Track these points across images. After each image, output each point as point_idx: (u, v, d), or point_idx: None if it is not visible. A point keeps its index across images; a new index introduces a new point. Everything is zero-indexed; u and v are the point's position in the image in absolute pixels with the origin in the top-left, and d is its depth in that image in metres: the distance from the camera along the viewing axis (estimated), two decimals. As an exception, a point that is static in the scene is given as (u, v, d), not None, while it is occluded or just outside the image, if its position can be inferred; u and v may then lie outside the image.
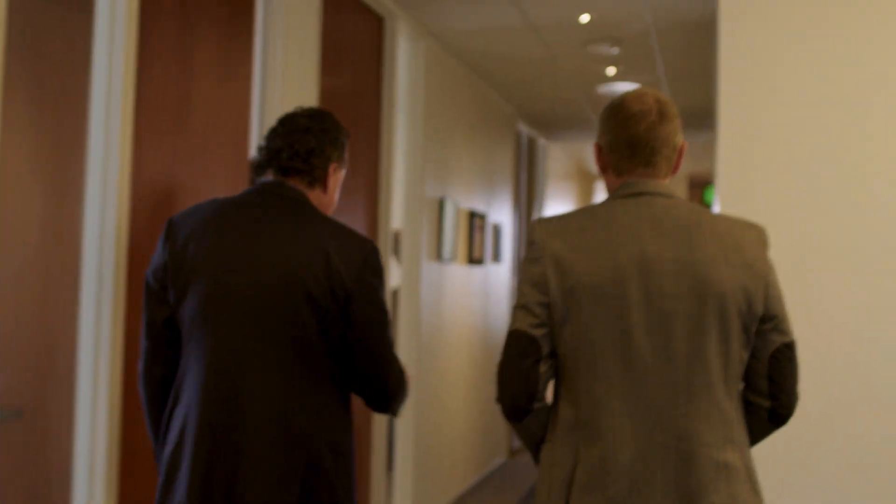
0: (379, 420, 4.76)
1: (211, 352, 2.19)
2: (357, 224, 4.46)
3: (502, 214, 7.77)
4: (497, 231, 7.48)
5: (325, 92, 4.09)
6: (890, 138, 3.20)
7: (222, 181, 3.37)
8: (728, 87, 3.26)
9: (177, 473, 2.20)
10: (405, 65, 5.31)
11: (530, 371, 1.97)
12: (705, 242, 1.97)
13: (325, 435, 2.20)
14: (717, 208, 3.30)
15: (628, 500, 1.91)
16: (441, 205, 5.78)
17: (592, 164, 12.60)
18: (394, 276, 5.52)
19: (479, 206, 6.84)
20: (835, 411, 3.22)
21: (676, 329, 1.93)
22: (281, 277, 2.18)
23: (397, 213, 5.33)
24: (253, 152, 3.52)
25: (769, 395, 2.00)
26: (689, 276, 1.94)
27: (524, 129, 8.69)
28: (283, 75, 3.65)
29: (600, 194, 14.75)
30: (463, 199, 6.38)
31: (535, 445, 2.07)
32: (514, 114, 8.16)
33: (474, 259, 6.67)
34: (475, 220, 6.63)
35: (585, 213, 2.05)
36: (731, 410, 1.96)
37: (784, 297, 2.03)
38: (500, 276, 7.75)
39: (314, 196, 2.36)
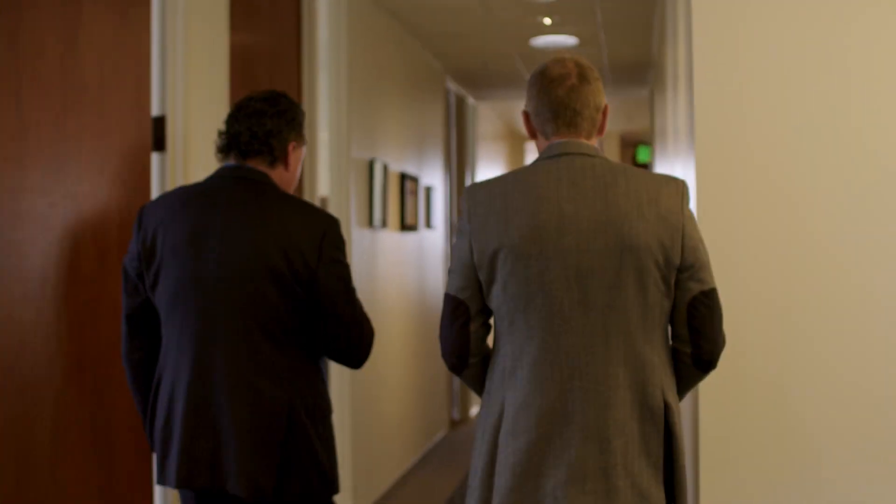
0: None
1: (187, 333, 2.35)
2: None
3: (434, 178, 7.39)
4: (429, 195, 7.10)
5: (237, 49, 3.65)
6: (869, 103, 2.89)
7: (118, 141, 2.95)
8: (702, 43, 2.87)
9: (169, 449, 2.38)
10: (326, 18, 4.88)
11: (461, 331, 2.12)
12: (621, 199, 2.04)
13: (299, 401, 2.35)
14: (692, 171, 2.98)
15: (550, 441, 2.02)
16: (370, 167, 5.38)
17: (522, 126, 12.27)
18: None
19: (410, 169, 6.44)
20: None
21: (593, 283, 2.03)
22: (246, 259, 2.33)
23: (323, 177, 4.92)
24: (155, 110, 3.13)
25: (690, 341, 2.08)
26: (604, 232, 2.03)
27: (452, 87, 8.30)
28: (186, 32, 3.20)
29: (531, 155, 14.46)
30: (393, 161, 5.98)
31: (480, 394, 2.20)
32: (442, 71, 7.76)
33: (407, 225, 6.27)
34: (406, 184, 6.23)
35: (510, 177, 2.13)
36: (653, 356, 2.05)
37: (704, 245, 2.10)
38: (434, 243, 7.37)
39: (276, 175, 2.46)
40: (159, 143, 3.12)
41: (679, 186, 2.09)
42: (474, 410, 8.79)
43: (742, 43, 2.88)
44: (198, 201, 2.40)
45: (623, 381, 2.03)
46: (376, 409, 5.60)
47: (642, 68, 7.99)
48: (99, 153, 2.86)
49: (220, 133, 2.49)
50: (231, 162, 2.47)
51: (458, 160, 8.59)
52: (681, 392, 2.15)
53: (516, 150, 13.01)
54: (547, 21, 6.11)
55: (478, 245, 2.09)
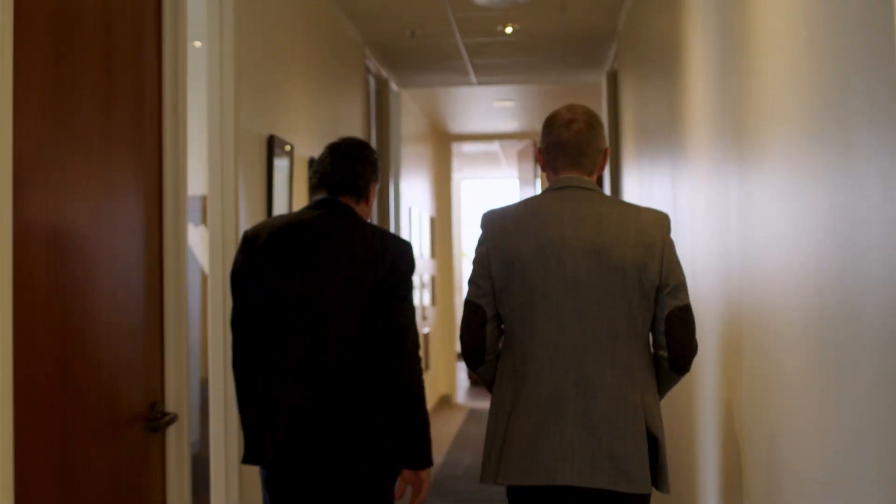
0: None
1: (301, 339, 2.78)
2: (128, 189, 2.63)
3: (353, 173, 5.98)
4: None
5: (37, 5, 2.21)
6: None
7: None
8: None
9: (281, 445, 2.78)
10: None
11: (478, 332, 2.57)
12: (613, 227, 2.47)
13: (378, 395, 2.77)
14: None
15: (547, 425, 2.43)
16: (268, 147, 3.94)
17: (452, 123, 10.92)
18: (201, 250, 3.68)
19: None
20: None
21: (585, 295, 2.46)
22: (344, 279, 2.79)
23: (198, 169, 3.48)
24: None
25: (667, 347, 2.46)
26: (596, 253, 2.46)
27: (373, 66, 6.90)
28: None
29: (460, 159, 13.12)
30: (300, 144, 4.54)
31: (489, 385, 2.64)
32: (361, 43, 6.36)
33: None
34: (318, 174, 4.81)
35: (521, 205, 2.60)
36: (635, 359, 2.46)
37: (681, 268, 2.48)
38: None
39: (359, 209, 2.92)
40: None
41: (662, 219, 2.51)
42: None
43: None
44: (298, 226, 2.84)
45: (609, 380, 2.44)
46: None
47: (600, 43, 6.70)
48: None
49: (315, 172, 2.92)
50: (323, 196, 2.89)
51: (383, 163, 7.17)
52: (662, 392, 2.55)
53: (443, 154, 11.65)
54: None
55: (494, 258, 2.55)
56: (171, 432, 2.88)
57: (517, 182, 12.36)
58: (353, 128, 6.03)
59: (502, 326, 2.58)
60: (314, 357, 2.76)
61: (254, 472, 3.75)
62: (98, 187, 2.42)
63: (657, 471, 2.45)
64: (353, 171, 2.88)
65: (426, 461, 2.84)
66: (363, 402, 2.75)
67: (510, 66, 7.57)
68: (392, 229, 7.20)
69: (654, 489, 2.44)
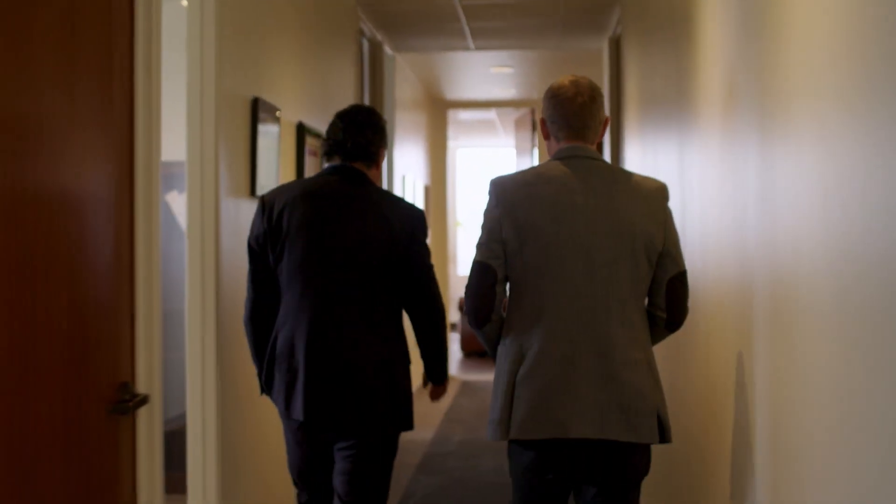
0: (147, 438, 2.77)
1: (310, 297, 3.01)
2: (94, 153, 2.43)
3: (344, 139, 5.75)
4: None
5: None
6: None
7: None
8: None
9: (294, 389, 3.02)
10: None
11: (488, 291, 2.65)
12: (621, 195, 2.62)
13: (396, 354, 3.10)
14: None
15: (561, 382, 2.56)
16: (252, 110, 3.72)
17: (448, 90, 10.68)
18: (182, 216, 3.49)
19: (312, 122, 4.78)
20: None
21: (597, 259, 2.58)
22: (358, 240, 3.02)
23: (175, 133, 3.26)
24: None
25: (666, 308, 2.65)
26: (607, 220, 2.59)
27: (367, 30, 6.66)
28: None
29: (454, 125, 12.88)
30: (287, 108, 4.31)
31: (492, 346, 2.74)
32: (354, 5, 6.12)
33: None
34: (307, 139, 4.57)
35: (531, 172, 2.70)
36: (638, 321, 2.62)
37: (678, 237, 2.64)
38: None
39: (371, 173, 3.14)
40: None
41: (663, 189, 2.67)
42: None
43: None
44: (316, 191, 3.06)
45: (618, 339, 2.58)
46: (253, 439, 3.97)
47: (603, 8, 6.47)
48: None
49: (326, 139, 3.13)
50: (337, 162, 3.11)
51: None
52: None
53: (438, 122, 11.41)
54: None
55: (507, 223, 2.63)
56: (142, 415, 2.70)
57: (514, 151, 12.13)
58: (345, 92, 5.80)
59: (507, 288, 2.71)
60: (331, 315, 3.02)
61: (233, 447, 3.56)
62: (60, 151, 2.22)
63: (661, 424, 2.60)
64: (364, 137, 3.07)
65: (443, 378, 3.30)
66: (381, 357, 3.04)
67: (509, 30, 7.33)
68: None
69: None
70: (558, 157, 2.69)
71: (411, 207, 3.14)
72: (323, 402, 2.99)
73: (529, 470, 2.61)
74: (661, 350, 3.02)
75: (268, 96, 3.91)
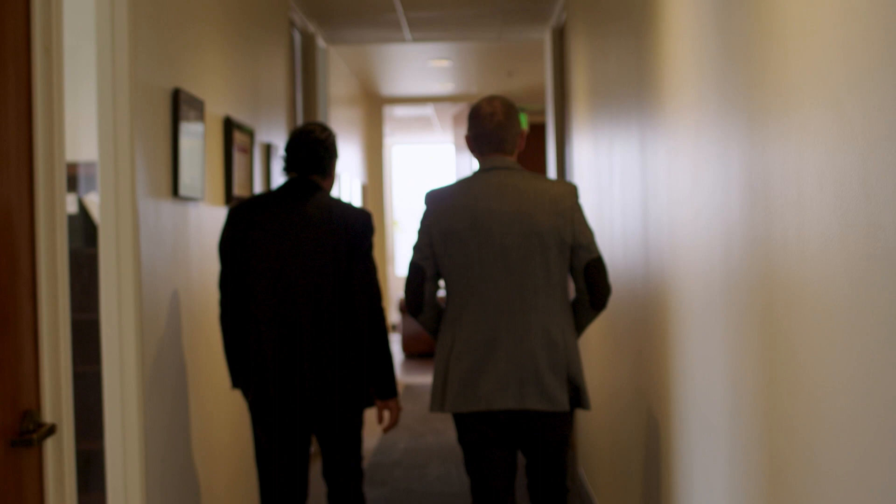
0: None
1: (278, 299, 3.36)
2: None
3: (277, 135, 5.42)
4: (270, 156, 5.13)
5: None
6: None
7: None
8: None
9: (268, 384, 3.37)
10: None
11: (419, 287, 3.17)
12: (530, 199, 3.08)
13: (354, 340, 3.45)
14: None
15: (484, 363, 3.05)
16: (173, 101, 3.39)
17: (384, 85, 10.37)
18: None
19: (239, 115, 4.45)
20: None
21: (511, 256, 3.06)
22: (314, 245, 3.39)
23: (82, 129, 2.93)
24: None
25: (588, 291, 3.10)
26: (519, 222, 3.06)
27: (298, 20, 6.33)
28: None
29: (390, 122, 12.58)
30: (212, 101, 3.98)
31: (431, 331, 3.26)
32: (285, -7, 5.79)
33: (237, 198, 4.30)
34: (234, 135, 4.24)
35: (456, 185, 3.20)
36: (553, 305, 3.07)
37: (590, 228, 3.10)
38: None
39: (325, 183, 3.56)
40: None
41: (571, 189, 3.14)
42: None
43: None
44: (280, 201, 3.46)
45: (534, 323, 3.05)
46: (187, 448, 3.64)
47: (544, -3, 6.23)
48: None
49: (284, 157, 3.56)
50: (294, 175, 3.52)
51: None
52: (581, 328, 3.17)
53: (374, 118, 11.10)
54: None
55: (435, 229, 3.15)
56: (50, 446, 2.37)
57: (452, 147, 11.87)
58: (275, 86, 5.47)
59: (440, 283, 3.22)
60: (292, 311, 3.36)
61: (160, 470, 3.24)
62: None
63: (578, 394, 3.10)
64: (316, 154, 3.51)
65: (392, 392, 3.54)
66: (336, 348, 3.39)
67: (447, 20, 7.06)
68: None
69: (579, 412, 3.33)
70: (481, 169, 3.20)
71: (359, 211, 3.52)
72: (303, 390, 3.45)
73: (467, 438, 3.17)
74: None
75: (190, 88, 3.58)
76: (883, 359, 1.33)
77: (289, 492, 3.44)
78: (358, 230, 3.43)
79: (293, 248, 3.36)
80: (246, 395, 3.43)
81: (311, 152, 3.48)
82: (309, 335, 3.35)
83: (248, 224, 3.37)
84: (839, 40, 1.48)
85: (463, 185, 3.18)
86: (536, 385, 3.00)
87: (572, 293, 3.15)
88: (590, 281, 3.07)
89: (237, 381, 3.46)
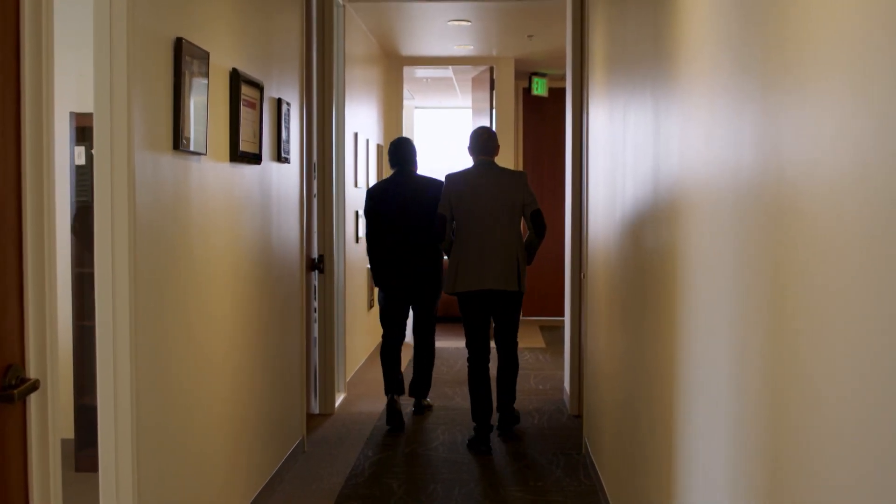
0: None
1: (403, 234, 6.35)
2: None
3: (288, 94, 5.32)
4: (280, 112, 5.03)
5: None
6: None
7: None
8: None
9: (391, 277, 6.42)
10: None
11: (443, 225, 5.81)
12: (502, 181, 5.79)
13: (435, 252, 6.45)
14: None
15: (479, 264, 5.70)
16: (175, 51, 3.29)
17: (402, 45, 10.22)
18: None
19: (247, 69, 4.35)
20: None
21: (492, 211, 5.71)
22: (419, 205, 6.25)
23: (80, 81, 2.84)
24: None
25: (533, 228, 5.78)
26: (496, 197, 5.73)
27: (316, -24, 6.20)
28: None
29: (410, 83, 12.43)
30: (218, 52, 3.88)
31: (447, 251, 5.87)
32: (300, -53, 5.65)
33: (243, 155, 4.21)
34: (241, 88, 4.14)
35: (463, 171, 5.90)
36: (513, 235, 5.74)
37: (534, 196, 5.85)
38: (288, 184, 5.33)
39: (416, 170, 6.45)
40: None
41: (522, 174, 5.92)
42: (339, 399, 6.91)
43: None
44: (394, 184, 6.38)
45: (502, 243, 5.69)
46: (183, 412, 3.59)
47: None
48: None
49: (391, 157, 6.50)
50: (398, 167, 6.46)
51: (325, 83, 6.51)
52: (532, 249, 5.87)
53: (393, 79, 10.97)
54: None
55: (452, 194, 5.80)
56: (33, 402, 2.31)
57: (470, 112, 11.73)
58: (288, 40, 5.37)
59: (454, 225, 5.80)
60: (408, 243, 6.27)
61: (151, 427, 3.18)
62: None
63: (520, 283, 5.72)
64: (410, 154, 6.47)
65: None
66: (425, 257, 6.34)
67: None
68: (333, 154, 6.65)
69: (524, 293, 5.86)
70: (475, 165, 5.88)
71: (435, 180, 6.37)
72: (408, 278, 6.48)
73: (466, 305, 5.80)
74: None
75: (194, 38, 3.48)
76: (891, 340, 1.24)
77: (396, 333, 6.46)
78: (437, 190, 6.12)
79: (409, 211, 6.24)
80: (378, 283, 6.38)
81: (408, 153, 6.45)
82: (410, 250, 6.26)
83: (381, 200, 6.29)
84: (858, 4, 1.38)
85: (466, 171, 5.89)
86: (502, 276, 5.69)
87: (525, 233, 5.83)
88: (533, 222, 5.75)
89: (377, 281, 6.38)
